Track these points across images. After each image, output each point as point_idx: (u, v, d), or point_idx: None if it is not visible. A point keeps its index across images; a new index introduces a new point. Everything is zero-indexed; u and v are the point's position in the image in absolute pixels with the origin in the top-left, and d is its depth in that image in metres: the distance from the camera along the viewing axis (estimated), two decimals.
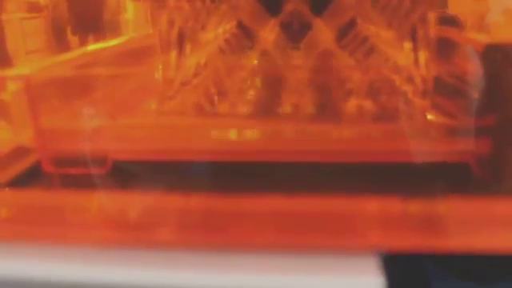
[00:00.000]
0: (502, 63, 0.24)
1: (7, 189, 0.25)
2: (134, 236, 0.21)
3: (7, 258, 0.20)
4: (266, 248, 0.20)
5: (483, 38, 0.29)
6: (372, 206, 0.20)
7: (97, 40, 0.36)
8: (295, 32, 0.36)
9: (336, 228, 0.20)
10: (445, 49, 0.31)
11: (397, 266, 0.19)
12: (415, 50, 0.30)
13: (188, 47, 0.32)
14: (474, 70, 0.26)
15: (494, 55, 0.24)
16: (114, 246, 0.20)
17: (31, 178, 0.26)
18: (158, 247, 0.20)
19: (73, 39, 0.36)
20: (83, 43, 0.36)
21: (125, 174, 0.26)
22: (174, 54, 0.32)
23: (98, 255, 0.20)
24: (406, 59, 0.30)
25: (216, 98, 0.31)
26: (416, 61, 0.30)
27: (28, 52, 0.35)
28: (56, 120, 0.28)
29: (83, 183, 0.25)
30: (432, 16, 0.29)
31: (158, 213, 0.22)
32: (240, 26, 0.33)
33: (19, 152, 0.27)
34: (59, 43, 0.36)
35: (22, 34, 0.34)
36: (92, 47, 0.34)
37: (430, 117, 0.28)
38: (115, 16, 0.38)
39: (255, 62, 0.32)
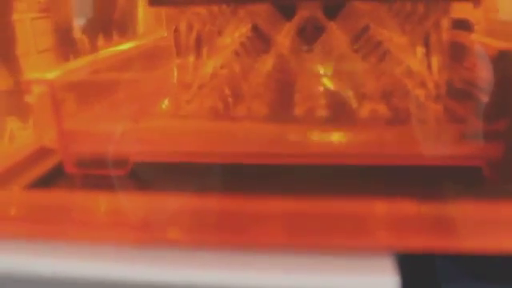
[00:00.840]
0: None
1: (24, 189, 0.25)
2: (149, 236, 0.21)
3: (21, 255, 0.21)
4: (280, 248, 0.20)
5: (495, 42, 0.30)
6: (386, 207, 0.21)
7: (107, 39, 0.37)
8: (309, 34, 0.37)
9: (351, 229, 0.20)
10: (457, 53, 0.32)
11: (412, 266, 0.19)
12: (428, 54, 0.31)
13: (205, 51, 0.33)
14: (486, 74, 0.27)
15: (505, 60, 0.25)
16: (129, 245, 0.21)
17: (54, 178, 0.27)
18: (172, 247, 0.21)
19: (82, 38, 0.37)
20: (93, 42, 0.36)
21: (143, 176, 0.27)
22: (191, 58, 0.33)
23: (112, 254, 0.20)
24: (418, 64, 0.31)
25: (232, 101, 0.32)
26: (429, 65, 0.31)
27: (39, 51, 0.35)
28: (77, 122, 0.28)
29: (104, 184, 0.26)
30: (445, 22, 0.29)
31: (173, 213, 0.22)
32: (255, 29, 0.34)
33: (42, 153, 0.28)
34: (68, 43, 0.36)
35: (32, 34, 0.34)
36: (107, 51, 0.34)
37: (442, 121, 0.28)
38: (125, 14, 0.39)
39: (270, 65, 0.32)
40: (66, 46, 0.36)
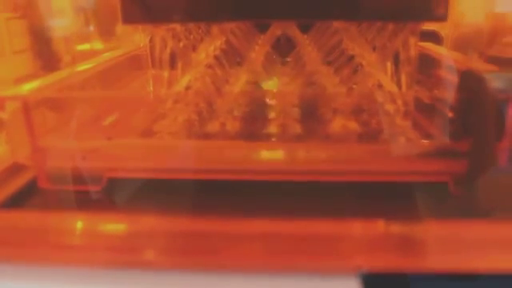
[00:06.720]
0: (477, 90, 0.25)
1: None
2: (123, 257, 0.21)
3: None
4: (254, 270, 0.20)
5: (462, 58, 0.31)
6: (355, 227, 0.21)
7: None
8: (283, 46, 0.37)
9: (321, 250, 0.21)
10: (426, 67, 0.32)
11: (378, 286, 0.20)
12: (397, 71, 0.31)
13: (179, 66, 0.33)
14: (453, 90, 0.27)
15: (469, 82, 0.26)
16: (102, 268, 0.21)
17: (27, 195, 0.26)
18: (147, 269, 0.21)
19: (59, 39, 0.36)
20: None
21: (118, 192, 0.27)
22: (166, 72, 0.33)
23: (86, 277, 0.21)
24: (388, 80, 0.31)
25: (205, 116, 0.32)
26: (398, 82, 0.31)
27: (15, 52, 0.35)
28: (52, 138, 0.28)
29: (78, 200, 0.26)
30: (413, 40, 0.30)
31: (147, 234, 0.22)
32: (229, 42, 0.34)
33: (15, 169, 0.28)
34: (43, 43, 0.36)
35: (8, 34, 0.34)
36: (83, 66, 0.34)
37: (410, 137, 0.29)
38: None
39: (243, 80, 0.33)
40: (42, 46, 0.36)
